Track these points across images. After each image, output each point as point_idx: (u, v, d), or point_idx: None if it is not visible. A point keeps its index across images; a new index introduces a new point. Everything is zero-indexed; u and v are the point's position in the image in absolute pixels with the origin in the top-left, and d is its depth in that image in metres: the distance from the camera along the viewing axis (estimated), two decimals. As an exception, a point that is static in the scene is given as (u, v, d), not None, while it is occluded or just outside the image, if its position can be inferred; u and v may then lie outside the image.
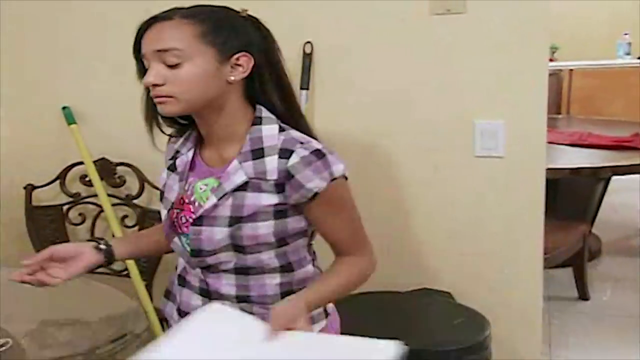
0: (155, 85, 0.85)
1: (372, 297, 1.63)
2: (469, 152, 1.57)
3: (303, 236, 0.96)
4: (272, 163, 0.88)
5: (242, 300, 0.93)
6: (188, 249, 0.93)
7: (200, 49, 0.85)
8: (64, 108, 1.77)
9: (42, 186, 1.82)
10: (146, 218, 1.75)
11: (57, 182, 1.81)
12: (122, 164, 1.79)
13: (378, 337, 1.36)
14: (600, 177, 2.89)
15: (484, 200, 1.60)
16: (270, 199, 0.88)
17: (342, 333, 1.08)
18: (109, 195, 1.76)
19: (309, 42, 1.61)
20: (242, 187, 0.89)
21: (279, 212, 0.90)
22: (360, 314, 1.55)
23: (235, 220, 0.89)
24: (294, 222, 0.92)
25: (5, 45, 1.84)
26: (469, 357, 1.41)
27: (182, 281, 1.00)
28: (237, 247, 0.90)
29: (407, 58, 1.58)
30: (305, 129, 0.96)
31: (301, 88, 1.62)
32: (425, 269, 1.70)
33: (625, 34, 4.87)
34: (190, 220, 0.93)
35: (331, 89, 1.65)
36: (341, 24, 1.60)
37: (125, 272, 1.71)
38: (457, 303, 1.61)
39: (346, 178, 0.91)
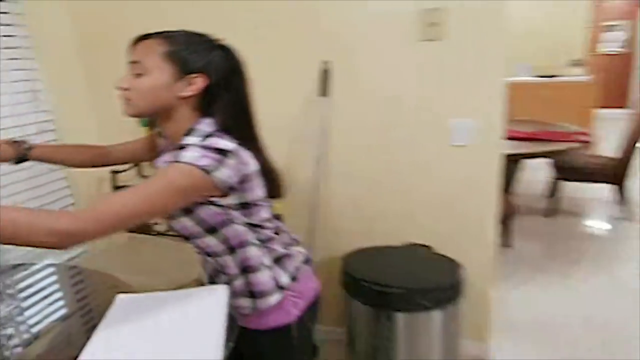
0: (121, 88, 0.92)
1: (376, 249, 1.93)
2: (446, 142, 1.85)
3: (233, 222, 0.97)
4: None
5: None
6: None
7: (160, 65, 0.90)
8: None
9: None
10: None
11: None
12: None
13: (384, 278, 1.66)
14: (517, 159, 3.28)
15: (456, 179, 1.88)
16: None
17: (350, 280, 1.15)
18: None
19: (326, 61, 1.84)
20: None
21: (184, 210, 0.94)
22: (368, 261, 1.84)
23: None
24: (206, 212, 0.95)
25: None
26: (447, 292, 1.70)
27: None
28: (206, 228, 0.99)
29: (401, 73, 1.81)
30: (254, 143, 1.00)
31: (320, 95, 1.85)
32: (412, 230, 1.99)
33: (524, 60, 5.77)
34: None
35: (343, 96, 1.89)
36: (352, 47, 1.83)
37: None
38: (437, 253, 1.90)
39: (196, 167, 0.84)
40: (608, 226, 3.69)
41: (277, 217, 1.12)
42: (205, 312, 0.90)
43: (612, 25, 9.00)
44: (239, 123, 0.98)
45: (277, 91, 1.90)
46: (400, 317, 1.69)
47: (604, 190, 3.92)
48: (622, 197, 3.68)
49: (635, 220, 3.66)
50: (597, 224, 3.75)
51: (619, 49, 9.16)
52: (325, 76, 1.84)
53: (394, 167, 1.94)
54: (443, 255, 1.86)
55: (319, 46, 1.84)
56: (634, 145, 3.52)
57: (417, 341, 1.74)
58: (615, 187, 3.68)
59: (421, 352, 1.76)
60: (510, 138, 3.24)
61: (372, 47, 1.80)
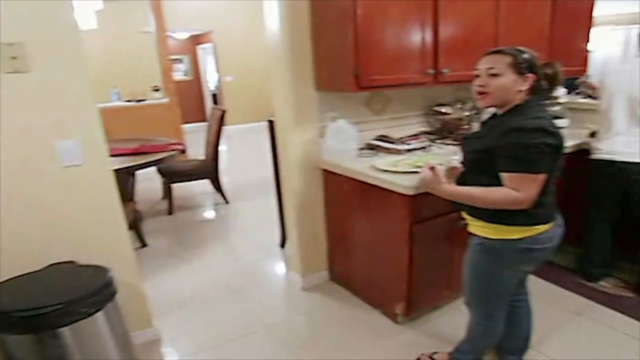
0: None
1: (17, 279, 1.82)
2: (59, 165, 1.93)
3: None
4: None
5: None
6: None
7: None
8: None
9: None
10: None
11: None
12: None
13: (37, 301, 1.67)
14: (131, 172, 3.64)
15: (81, 195, 2.01)
16: None
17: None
18: None
19: None
20: None
21: None
22: (12, 293, 1.72)
23: None
24: None
25: None
26: (102, 294, 1.80)
27: None
28: None
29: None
30: None
31: None
32: (54, 251, 1.99)
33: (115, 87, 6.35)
34: None
35: None
36: None
37: None
38: (83, 265, 1.98)
39: None
40: (213, 211, 4.61)
41: None
42: None
43: (178, 59, 10.73)
44: None
45: None
46: (66, 331, 1.72)
47: (204, 185, 4.81)
48: (217, 187, 4.66)
49: (229, 203, 4.70)
50: (206, 212, 4.62)
51: (186, 77, 11.12)
52: None
53: (17, 197, 1.89)
54: (88, 265, 1.96)
55: None
56: (217, 147, 4.51)
57: (90, 347, 1.81)
58: (210, 181, 4.61)
59: (98, 356, 1.84)
60: (119, 155, 3.56)
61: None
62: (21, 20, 1.75)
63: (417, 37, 2.39)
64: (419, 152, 2.61)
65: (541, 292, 2.63)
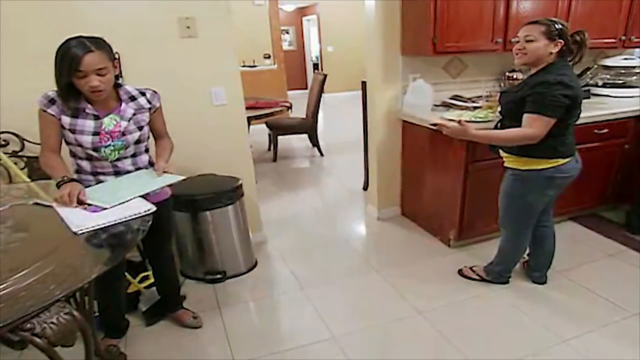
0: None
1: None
2: (210, 103, 2.79)
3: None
4: (143, 100, 1.77)
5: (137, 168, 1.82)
6: (111, 152, 1.69)
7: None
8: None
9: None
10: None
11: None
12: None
13: (194, 192, 2.53)
14: (248, 122, 4.50)
15: (222, 126, 2.84)
16: (146, 117, 1.80)
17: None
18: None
19: (116, 52, 2.49)
20: (134, 114, 1.74)
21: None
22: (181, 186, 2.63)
23: (140, 129, 1.76)
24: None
25: None
26: (234, 193, 2.64)
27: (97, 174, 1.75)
28: (138, 142, 1.79)
29: (174, 58, 2.62)
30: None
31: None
32: (204, 164, 2.87)
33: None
34: (115, 134, 1.66)
35: (134, 76, 2.50)
36: (137, 42, 2.53)
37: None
38: (223, 175, 2.83)
39: None
40: (310, 161, 5.46)
41: None
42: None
43: (285, 30, 11.63)
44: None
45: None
46: (209, 214, 2.61)
47: (304, 140, 5.64)
48: (314, 142, 5.47)
49: (324, 155, 5.51)
50: (303, 161, 5.48)
51: (290, 47, 11.99)
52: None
53: (182, 123, 2.70)
54: (225, 175, 2.82)
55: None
56: (317, 108, 5.29)
57: (222, 230, 2.69)
58: (309, 136, 5.43)
59: (227, 237, 2.72)
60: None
61: (152, 42, 2.57)
62: (193, 0, 2.58)
63: (490, 10, 2.86)
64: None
65: (582, 238, 3.04)
